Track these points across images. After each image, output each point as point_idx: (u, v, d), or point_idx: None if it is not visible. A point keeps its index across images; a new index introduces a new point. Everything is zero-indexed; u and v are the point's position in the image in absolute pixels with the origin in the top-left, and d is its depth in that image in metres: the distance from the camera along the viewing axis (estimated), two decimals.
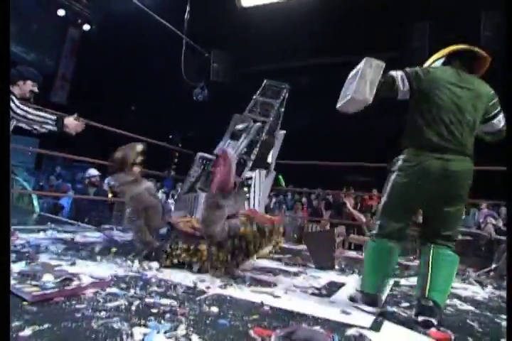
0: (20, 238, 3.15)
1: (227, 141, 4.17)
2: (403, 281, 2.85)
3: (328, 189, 7.55)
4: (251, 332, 1.42)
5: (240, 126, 4.26)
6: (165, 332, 1.33)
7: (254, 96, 4.63)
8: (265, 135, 4.23)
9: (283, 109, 4.66)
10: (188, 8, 7.46)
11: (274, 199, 8.57)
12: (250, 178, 4.06)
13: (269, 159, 4.41)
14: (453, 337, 1.62)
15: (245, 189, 4.01)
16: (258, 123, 4.29)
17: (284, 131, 4.63)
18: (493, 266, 3.50)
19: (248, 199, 3.98)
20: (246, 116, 4.39)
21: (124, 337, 1.26)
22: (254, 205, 3.97)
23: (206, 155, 4.17)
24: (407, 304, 2.12)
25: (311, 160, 6.06)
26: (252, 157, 4.09)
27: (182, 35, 7.12)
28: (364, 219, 5.29)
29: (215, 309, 1.67)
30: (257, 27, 7.59)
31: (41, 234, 3.60)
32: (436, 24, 7.09)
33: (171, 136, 11.06)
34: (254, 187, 4.06)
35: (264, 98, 4.62)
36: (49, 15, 8.73)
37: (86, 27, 9.26)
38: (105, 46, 8.97)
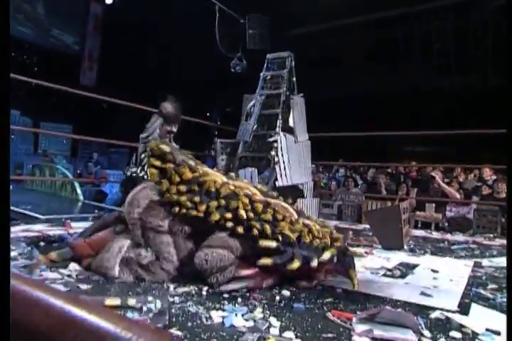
0: (73, 227, 3.42)
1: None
2: (485, 262, 2.80)
3: (385, 162, 7.43)
4: (329, 314, 1.50)
5: (249, 106, 4.87)
6: (242, 315, 1.44)
7: (262, 73, 5.13)
8: (281, 104, 4.76)
9: (294, 78, 5.06)
10: None
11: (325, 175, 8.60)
12: (275, 141, 4.53)
13: (291, 123, 4.85)
14: None
15: (272, 152, 4.47)
16: (262, 97, 4.90)
17: (302, 95, 4.94)
18: None
19: (278, 162, 4.42)
20: (257, 94, 4.94)
21: (204, 319, 1.38)
22: (285, 169, 4.43)
23: (226, 140, 4.85)
24: (494, 286, 2.11)
25: (363, 131, 6.00)
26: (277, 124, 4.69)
27: (214, 1, 7.09)
28: (458, 195, 5.14)
29: (286, 293, 1.76)
30: None
31: (91, 223, 3.86)
32: None
33: (208, 114, 11.22)
34: (282, 150, 4.47)
35: (271, 72, 5.10)
36: None
37: (108, 1, 9.43)
38: (131, 21, 9.13)
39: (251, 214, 1.85)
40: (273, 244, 1.76)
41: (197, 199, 1.89)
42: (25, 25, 9.80)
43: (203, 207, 1.87)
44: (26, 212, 4.37)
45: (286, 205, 2.01)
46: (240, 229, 1.81)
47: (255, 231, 1.79)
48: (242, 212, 1.84)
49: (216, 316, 1.42)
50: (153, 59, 9.86)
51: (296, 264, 1.74)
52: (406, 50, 8.88)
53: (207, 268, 1.75)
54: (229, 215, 1.84)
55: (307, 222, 1.94)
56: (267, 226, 1.80)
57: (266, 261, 1.74)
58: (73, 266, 2.00)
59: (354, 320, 1.44)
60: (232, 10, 8.23)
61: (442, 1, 7.30)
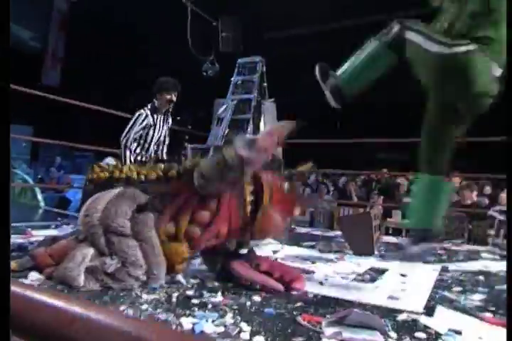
0: (34, 235, 3.35)
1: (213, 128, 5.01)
2: (452, 266, 2.95)
3: (358, 169, 7.63)
4: (299, 318, 1.56)
5: (220, 111, 5.03)
6: (213, 321, 1.48)
7: (232, 78, 5.12)
8: (252, 109, 4.95)
9: (265, 83, 5.28)
10: None
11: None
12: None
13: (262, 128, 5.02)
14: None
15: None
16: (234, 102, 5.03)
17: (272, 100, 5.05)
18: None
19: None
20: (228, 98, 5.13)
21: (174, 327, 1.42)
22: None
23: (198, 145, 4.91)
24: (459, 288, 2.23)
25: (337, 139, 6.16)
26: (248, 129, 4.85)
27: (186, 3, 7.13)
28: None
29: (257, 298, 1.81)
30: None
31: (54, 231, 3.79)
32: None
33: (179, 118, 11.18)
34: None
35: (242, 76, 5.29)
36: None
37: None
38: (97, 18, 9.03)
39: None
40: None
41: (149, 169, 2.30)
42: None
43: (158, 170, 2.24)
44: None
45: None
46: None
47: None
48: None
49: (186, 323, 1.46)
50: (121, 59, 9.77)
51: None
52: None
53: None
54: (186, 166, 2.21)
55: None
56: None
57: None
58: (34, 276, 1.98)
59: (323, 323, 1.51)
60: (204, 12, 8.30)
61: (411, 11, 7.61)
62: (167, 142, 3.91)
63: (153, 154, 3.79)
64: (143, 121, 3.61)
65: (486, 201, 5.56)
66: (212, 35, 8.38)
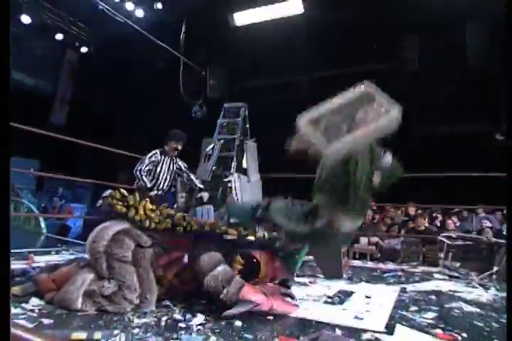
0: (35, 261, 3.24)
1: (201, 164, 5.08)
2: (409, 287, 2.97)
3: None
4: (276, 340, 1.54)
5: (208, 149, 5.08)
6: None
7: (219, 120, 5.41)
8: (236, 148, 5.07)
9: (248, 126, 5.39)
10: (183, 29, 7.72)
11: None
12: (230, 181, 4.80)
13: (244, 164, 5.12)
14: (460, 338, 1.74)
15: (227, 191, 4.76)
16: (221, 141, 5.11)
17: (254, 140, 5.19)
18: (495, 269, 3.62)
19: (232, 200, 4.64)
20: (215, 138, 5.19)
21: None
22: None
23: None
24: (415, 308, 2.25)
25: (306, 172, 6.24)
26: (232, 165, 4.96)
27: (179, 55, 7.35)
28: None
29: (238, 323, 1.75)
30: (250, 44, 7.86)
31: (55, 256, 3.68)
32: (425, 36, 7.40)
33: None
34: (236, 189, 4.74)
35: (227, 119, 5.37)
36: (47, 39, 8.94)
37: (83, 49, 9.47)
38: (103, 67, 9.18)
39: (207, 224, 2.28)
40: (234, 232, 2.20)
41: (161, 217, 2.21)
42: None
43: (169, 220, 2.19)
44: None
45: None
46: (208, 228, 2.21)
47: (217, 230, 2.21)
48: (203, 221, 2.37)
49: None
50: (122, 103, 9.86)
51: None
52: None
53: (218, 283, 1.84)
54: (193, 222, 2.22)
55: None
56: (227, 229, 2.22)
57: (231, 236, 2.16)
58: (35, 301, 1.91)
59: None
60: (195, 63, 8.56)
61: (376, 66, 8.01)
62: (186, 177, 4.21)
63: (165, 191, 4.06)
64: (151, 156, 3.93)
65: (436, 228, 5.68)
66: (201, 82, 8.60)
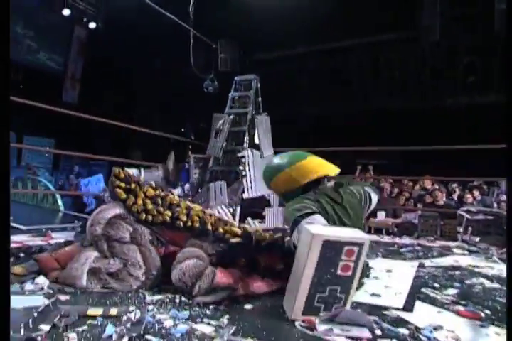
0: (53, 238, 3.28)
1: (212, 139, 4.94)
2: (428, 262, 2.91)
3: (342, 173, 7.58)
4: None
5: (218, 124, 4.94)
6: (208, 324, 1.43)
7: (230, 94, 5.20)
8: (247, 122, 4.92)
9: (260, 99, 5.19)
10: (192, 1, 7.43)
11: None
12: (243, 156, 4.65)
13: (256, 140, 4.96)
14: (483, 315, 1.68)
15: (240, 167, 4.62)
16: (232, 115, 4.96)
17: (266, 114, 5.03)
18: None
19: (245, 176, 4.54)
20: (226, 112, 5.04)
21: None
22: (252, 182, 4.53)
23: (199, 155, 4.89)
24: (435, 284, 2.19)
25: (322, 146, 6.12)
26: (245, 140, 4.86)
27: (189, 28, 7.12)
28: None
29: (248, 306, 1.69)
30: (262, 14, 7.56)
31: (72, 233, 3.71)
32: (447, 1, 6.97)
33: (183, 129, 11.16)
34: (249, 164, 4.61)
35: (239, 92, 5.19)
36: (54, 15, 8.77)
37: (92, 25, 9.26)
38: (112, 43, 9.02)
39: (212, 220, 2.06)
40: (240, 230, 1.99)
41: (161, 208, 2.06)
42: (11, 44, 9.43)
43: (169, 213, 2.03)
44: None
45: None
46: (210, 227, 1.99)
47: (221, 230, 1.99)
48: (207, 216, 2.07)
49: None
50: (133, 79, 9.74)
51: (264, 236, 1.94)
52: (358, 76, 9.20)
53: (186, 279, 1.72)
54: (196, 218, 2.02)
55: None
56: (232, 228, 2.02)
57: (236, 239, 1.92)
58: (41, 279, 1.87)
59: (317, 321, 1.45)
60: (205, 36, 8.31)
61: (387, 35, 7.66)
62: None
63: None
64: None
65: (454, 202, 5.56)
66: (212, 56, 8.39)
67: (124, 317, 1.41)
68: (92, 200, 6.50)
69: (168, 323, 1.40)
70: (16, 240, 3.02)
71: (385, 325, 1.48)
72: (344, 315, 1.46)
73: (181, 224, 1.99)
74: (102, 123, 5.09)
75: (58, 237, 3.30)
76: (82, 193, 7.07)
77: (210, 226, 1.99)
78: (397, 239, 4.34)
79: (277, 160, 2.14)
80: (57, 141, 10.77)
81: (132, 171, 5.07)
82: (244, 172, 4.50)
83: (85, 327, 1.33)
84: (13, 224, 4.09)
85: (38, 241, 3.05)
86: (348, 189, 2.02)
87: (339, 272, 1.50)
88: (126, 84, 9.89)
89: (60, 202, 5.93)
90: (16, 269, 1.93)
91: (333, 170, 2.08)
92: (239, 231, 1.99)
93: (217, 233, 1.97)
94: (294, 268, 1.59)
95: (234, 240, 1.96)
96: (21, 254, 2.43)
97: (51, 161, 11.40)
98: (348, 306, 1.53)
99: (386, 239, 4.43)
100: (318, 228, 1.59)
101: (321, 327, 1.42)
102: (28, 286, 1.78)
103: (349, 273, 1.51)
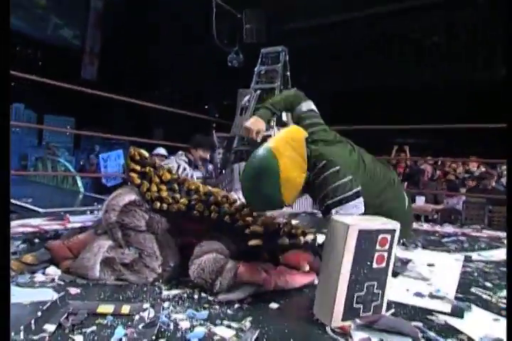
0: (71, 222, 3.29)
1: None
2: (475, 256, 2.70)
3: (378, 154, 7.30)
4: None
5: (244, 100, 4.77)
6: (229, 326, 1.33)
7: (256, 68, 5.00)
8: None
9: (288, 73, 4.95)
10: None
11: None
12: (270, 136, 4.33)
13: (284, 117, 4.69)
14: None
15: None
16: (258, 91, 4.75)
17: (295, 89, 4.81)
18: None
19: None
20: (252, 88, 4.84)
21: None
22: None
23: (223, 134, 4.74)
24: (486, 283, 2.00)
25: (360, 124, 5.87)
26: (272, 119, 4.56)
27: None
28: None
29: (274, 305, 1.59)
30: None
31: (90, 216, 3.74)
32: None
33: (206, 106, 11.04)
34: None
35: (265, 66, 4.98)
36: None
37: None
38: (131, 15, 8.89)
39: (231, 208, 1.89)
40: (260, 228, 1.76)
41: (177, 195, 1.95)
42: (28, 20, 9.52)
43: (185, 201, 1.92)
44: (27, 205, 4.24)
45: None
46: (228, 219, 1.84)
47: (240, 221, 1.81)
48: (226, 205, 1.91)
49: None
50: (153, 53, 9.61)
51: (285, 240, 1.72)
52: (401, 45, 8.71)
53: (206, 276, 1.63)
54: (214, 207, 1.88)
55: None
56: (250, 218, 1.82)
57: (255, 241, 1.70)
58: (52, 269, 1.84)
59: (352, 327, 1.33)
60: (229, 5, 8.01)
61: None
62: None
63: None
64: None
65: (503, 187, 5.21)
66: (236, 27, 8.11)
67: (137, 317, 1.34)
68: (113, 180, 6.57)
69: (185, 325, 1.32)
70: (33, 224, 3.05)
71: (432, 334, 1.33)
72: (384, 322, 1.33)
73: (197, 214, 1.87)
74: (122, 101, 5.05)
75: (76, 221, 3.31)
76: (101, 174, 7.16)
77: (228, 218, 1.85)
78: (437, 227, 4.13)
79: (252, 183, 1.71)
80: (77, 120, 10.94)
81: (160, 151, 5.03)
82: None
83: (94, 328, 1.26)
84: (30, 207, 4.18)
85: (55, 226, 3.06)
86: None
87: (374, 265, 1.38)
88: (145, 59, 9.79)
89: (79, 183, 6.01)
90: (27, 258, 1.90)
91: (295, 131, 1.92)
92: (259, 229, 1.76)
93: (236, 225, 1.83)
94: (324, 266, 1.46)
95: (253, 243, 1.72)
96: (36, 240, 2.44)
97: (72, 140, 11.65)
98: (384, 304, 1.40)
99: (425, 226, 4.22)
100: (346, 218, 1.45)
101: (357, 335, 1.29)
102: (39, 277, 1.75)
103: (383, 264, 1.40)
